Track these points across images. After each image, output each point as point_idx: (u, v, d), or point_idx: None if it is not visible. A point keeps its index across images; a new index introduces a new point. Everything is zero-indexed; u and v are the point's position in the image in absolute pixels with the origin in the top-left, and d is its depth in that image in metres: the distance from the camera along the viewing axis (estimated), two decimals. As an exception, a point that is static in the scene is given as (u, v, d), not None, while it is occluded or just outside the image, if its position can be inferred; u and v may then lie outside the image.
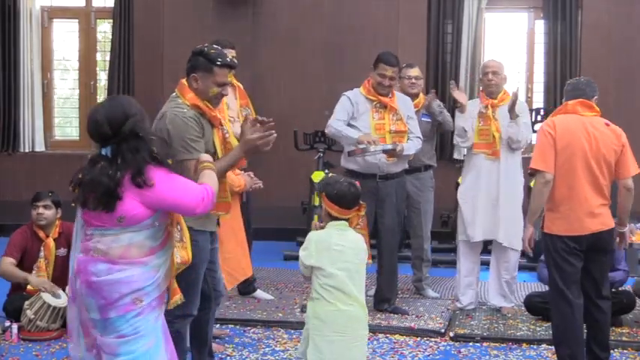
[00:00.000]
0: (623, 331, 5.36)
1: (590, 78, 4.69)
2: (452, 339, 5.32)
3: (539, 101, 8.86)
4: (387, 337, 5.36)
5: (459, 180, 7.40)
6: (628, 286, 5.90)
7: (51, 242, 5.54)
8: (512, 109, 5.60)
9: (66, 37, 9.75)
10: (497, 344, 5.24)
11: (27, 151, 9.40)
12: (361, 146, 5.45)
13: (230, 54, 5.96)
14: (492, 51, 8.93)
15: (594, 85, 4.53)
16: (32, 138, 9.40)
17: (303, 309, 5.80)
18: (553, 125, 4.37)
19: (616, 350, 4.93)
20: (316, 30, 9.04)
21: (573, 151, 4.31)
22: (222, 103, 4.43)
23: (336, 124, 5.64)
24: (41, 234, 5.54)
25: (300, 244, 8.00)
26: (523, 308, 5.93)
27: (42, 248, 5.52)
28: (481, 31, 8.89)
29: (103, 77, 9.55)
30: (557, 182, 4.32)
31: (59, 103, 9.94)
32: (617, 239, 4.52)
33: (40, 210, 5.51)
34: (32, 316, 5.18)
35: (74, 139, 9.76)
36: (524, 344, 5.19)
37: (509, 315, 5.79)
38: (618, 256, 5.40)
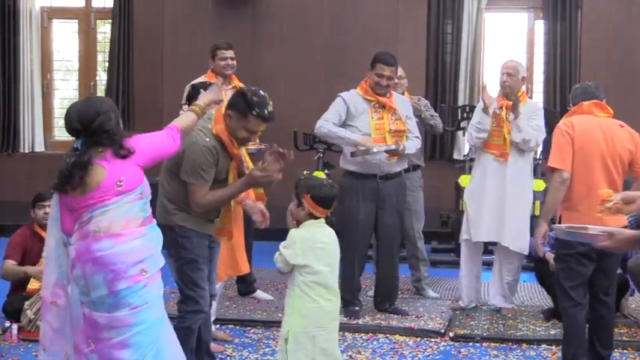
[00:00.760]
0: (623, 331, 5.35)
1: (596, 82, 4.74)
2: (452, 339, 5.32)
3: (538, 101, 8.86)
4: (387, 338, 5.37)
5: (459, 180, 7.42)
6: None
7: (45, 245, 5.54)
8: (514, 109, 5.58)
9: (66, 37, 9.77)
10: (497, 344, 5.24)
11: (27, 151, 9.41)
12: (362, 148, 5.45)
13: (228, 54, 6.00)
14: (492, 51, 8.93)
15: (602, 89, 4.62)
16: (32, 138, 9.42)
17: (303, 309, 5.81)
18: (571, 125, 4.42)
19: (616, 350, 4.92)
20: (316, 30, 9.05)
21: (591, 151, 4.36)
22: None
23: (328, 125, 5.59)
24: (43, 234, 5.54)
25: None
26: (523, 308, 5.93)
27: (45, 248, 5.51)
28: (481, 31, 8.90)
29: (102, 78, 9.56)
30: (574, 181, 4.35)
31: (59, 103, 9.94)
32: None
33: (48, 209, 5.51)
34: (32, 316, 5.19)
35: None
36: (524, 344, 5.20)
37: (509, 315, 5.79)
38: None
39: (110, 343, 3.37)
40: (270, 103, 4.03)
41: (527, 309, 5.97)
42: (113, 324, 3.36)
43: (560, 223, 4.40)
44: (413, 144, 5.71)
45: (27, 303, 5.26)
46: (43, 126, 9.53)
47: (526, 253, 5.73)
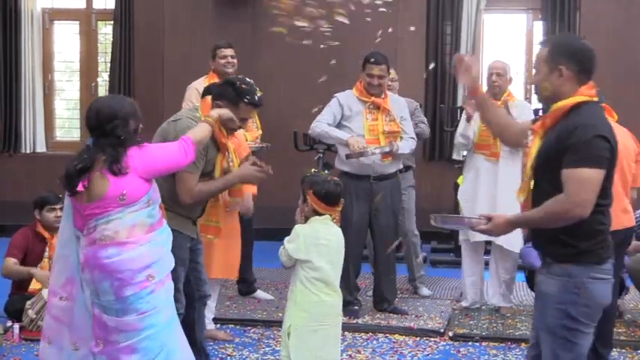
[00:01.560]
0: (621, 330, 5.35)
1: None
2: (451, 339, 5.33)
3: (537, 102, 8.86)
4: (386, 337, 5.37)
5: (458, 180, 7.42)
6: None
7: (56, 242, 5.55)
8: (468, 118, 5.65)
9: (67, 38, 9.77)
10: (496, 344, 5.24)
11: (28, 152, 9.41)
12: (357, 150, 5.45)
13: (228, 53, 6.01)
14: (491, 52, 8.93)
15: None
16: (33, 139, 9.42)
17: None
18: None
19: (614, 349, 4.93)
20: (316, 31, 9.04)
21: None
22: (241, 135, 4.48)
23: (321, 125, 5.63)
24: (47, 235, 5.55)
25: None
26: (522, 307, 5.94)
27: (47, 248, 5.53)
28: (480, 32, 8.90)
29: (103, 78, 9.56)
30: None
31: (60, 104, 9.94)
32: None
33: (59, 212, 5.52)
34: (34, 316, 5.19)
35: (75, 140, 9.76)
36: (522, 344, 5.19)
37: (508, 315, 5.80)
38: None
39: (118, 346, 3.39)
40: (258, 90, 4.07)
41: (526, 308, 5.96)
42: (121, 328, 3.38)
43: None
44: (407, 144, 5.72)
45: (28, 303, 5.26)
46: (45, 127, 9.52)
47: (518, 250, 5.74)
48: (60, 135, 9.87)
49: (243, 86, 4.01)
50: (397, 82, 6.41)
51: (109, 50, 9.34)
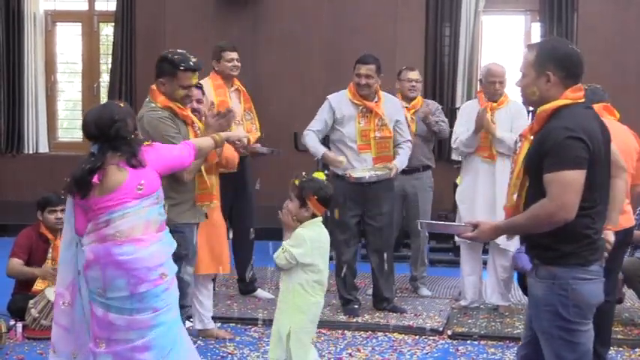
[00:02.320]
0: (618, 329, 5.36)
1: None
2: (450, 337, 5.33)
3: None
4: (385, 336, 5.37)
5: (457, 180, 7.42)
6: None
7: (59, 243, 5.55)
8: (477, 121, 5.63)
9: (69, 40, 9.77)
10: (494, 342, 5.25)
11: (31, 152, 9.41)
12: (356, 175, 5.46)
13: (234, 56, 6.02)
14: (489, 53, 8.93)
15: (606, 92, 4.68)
16: (36, 140, 9.42)
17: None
18: None
19: (611, 348, 4.93)
20: (316, 32, 9.05)
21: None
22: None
23: (310, 136, 5.68)
24: (50, 236, 5.55)
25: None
26: (520, 306, 5.94)
27: (50, 249, 5.53)
28: (478, 33, 8.90)
29: (105, 79, 9.56)
30: None
31: (63, 105, 9.95)
32: None
33: (59, 214, 5.54)
34: (37, 315, 5.20)
35: (77, 140, 9.75)
36: (520, 342, 5.19)
37: (506, 313, 5.81)
38: None
39: (131, 345, 3.40)
40: (192, 57, 4.22)
41: (524, 307, 5.95)
42: (132, 326, 3.40)
43: None
44: (404, 155, 5.70)
45: (31, 302, 5.27)
46: (47, 127, 9.53)
47: (514, 248, 5.74)
48: (62, 136, 9.87)
49: (176, 57, 4.19)
50: (421, 84, 6.41)
51: (111, 51, 9.34)
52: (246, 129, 5.91)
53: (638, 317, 5.71)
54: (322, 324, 5.49)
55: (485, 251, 6.13)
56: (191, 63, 4.19)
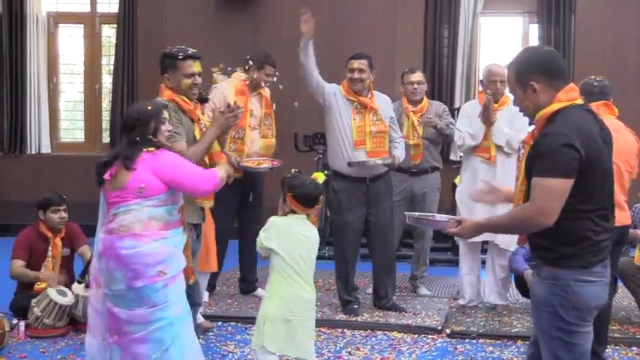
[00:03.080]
0: (615, 327, 5.36)
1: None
2: (448, 336, 5.33)
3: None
4: (385, 334, 5.38)
5: (456, 181, 7.42)
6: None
7: (59, 242, 5.57)
8: (483, 113, 5.61)
9: (71, 41, 9.78)
10: (492, 341, 5.25)
11: (33, 152, 9.41)
12: (360, 160, 5.45)
13: (272, 72, 6.06)
14: (488, 54, 8.94)
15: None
16: (38, 140, 9.43)
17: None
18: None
19: (608, 346, 4.93)
20: (316, 33, 9.04)
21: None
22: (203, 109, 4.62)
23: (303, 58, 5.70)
24: (49, 234, 5.56)
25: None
26: (518, 305, 5.94)
27: (50, 248, 5.54)
28: (477, 34, 8.90)
29: (107, 81, 9.57)
30: None
31: (65, 106, 9.95)
32: None
33: (62, 214, 5.55)
34: (39, 314, 5.20)
35: (79, 141, 9.78)
36: (519, 340, 5.20)
37: (504, 312, 5.81)
38: None
39: (131, 337, 3.49)
40: (190, 49, 4.30)
41: (522, 306, 5.98)
42: (132, 320, 3.48)
43: None
44: (401, 149, 5.70)
45: (34, 301, 5.27)
46: (49, 128, 9.53)
47: (513, 249, 5.75)
48: (64, 136, 9.88)
49: (174, 49, 4.29)
50: (424, 85, 6.35)
51: (113, 53, 9.35)
52: (262, 134, 5.95)
53: (634, 316, 5.71)
54: (322, 323, 5.51)
55: (484, 251, 6.14)
56: (189, 52, 4.27)
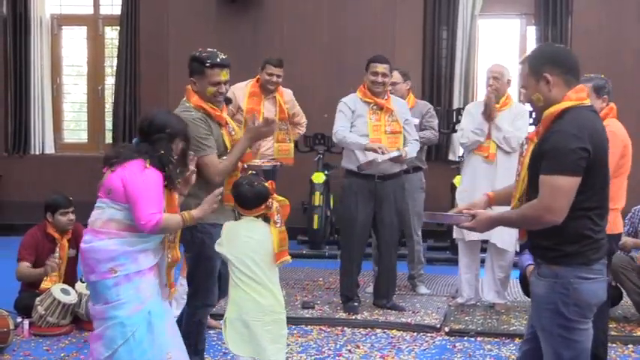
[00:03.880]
0: (611, 325, 5.35)
1: None
2: (447, 334, 5.33)
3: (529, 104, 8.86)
4: (384, 333, 5.38)
5: (454, 181, 7.44)
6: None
7: (66, 243, 5.57)
8: (486, 110, 5.60)
9: (75, 43, 9.78)
10: (490, 339, 5.25)
11: (37, 153, 9.41)
12: (370, 158, 5.45)
13: (274, 71, 6.10)
14: (486, 56, 8.94)
15: None
16: (42, 141, 9.42)
17: (304, 305, 5.82)
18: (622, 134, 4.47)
19: (605, 344, 4.94)
20: (316, 36, 9.05)
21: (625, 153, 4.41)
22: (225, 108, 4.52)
23: (341, 131, 5.62)
24: (56, 235, 5.56)
25: (301, 242, 8.06)
26: (516, 304, 5.94)
27: (57, 249, 5.54)
28: (475, 36, 8.89)
29: (110, 82, 9.56)
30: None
31: (68, 107, 9.95)
32: None
33: (70, 216, 5.55)
34: (43, 312, 5.20)
35: (83, 141, 9.77)
36: (516, 339, 5.20)
37: (502, 311, 5.81)
38: None
39: (93, 333, 3.56)
40: (222, 54, 4.15)
41: (520, 304, 5.98)
42: (94, 315, 3.56)
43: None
44: (413, 148, 5.73)
45: (38, 299, 5.28)
46: (53, 129, 9.52)
47: (513, 250, 5.74)
48: (68, 137, 9.88)
49: (204, 54, 4.12)
50: (402, 85, 6.31)
51: (116, 54, 9.35)
52: (278, 138, 6.02)
53: (630, 314, 5.71)
54: (322, 321, 5.52)
55: (483, 250, 6.14)
56: (218, 59, 4.09)
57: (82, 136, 9.86)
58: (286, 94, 6.34)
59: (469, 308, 5.88)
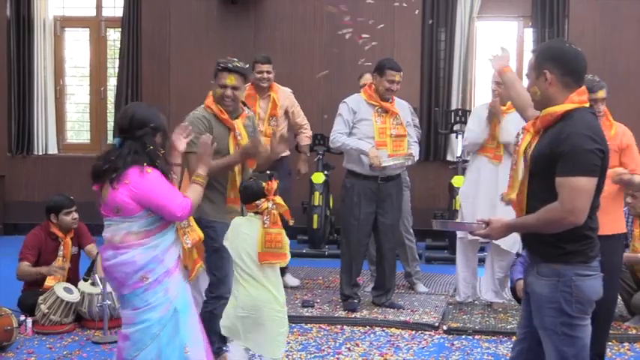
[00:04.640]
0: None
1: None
2: (445, 332, 5.33)
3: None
4: (383, 331, 5.38)
5: (452, 181, 7.43)
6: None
7: (69, 242, 5.58)
8: (489, 116, 5.60)
9: (77, 45, 9.77)
10: (488, 337, 5.25)
11: (40, 153, 9.40)
12: (384, 164, 5.45)
13: (263, 68, 6.09)
14: (484, 57, 8.93)
15: None
16: (45, 141, 9.41)
17: (304, 303, 5.82)
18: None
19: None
20: (315, 37, 9.05)
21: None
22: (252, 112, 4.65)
23: (340, 138, 5.61)
24: (60, 234, 5.56)
25: (301, 242, 8.04)
26: (513, 303, 5.94)
27: (61, 247, 5.54)
28: (473, 38, 8.89)
29: (112, 83, 9.56)
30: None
31: (71, 108, 9.95)
32: None
33: (74, 214, 5.55)
34: (46, 311, 5.20)
35: (85, 142, 9.77)
36: (513, 337, 5.17)
37: (499, 310, 5.80)
38: None
39: (121, 332, 3.55)
40: (240, 62, 4.31)
41: (517, 304, 5.97)
42: (124, 319, 3.54)
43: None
44: (416, 150, 5.78)
45: (41, 298, 5.28)
46: (56, 129, 9.51)
47: (515, 251, 5.73)
48: (71, 137, 9.87)
49: (223, 59, 4.34)
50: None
51: (118, 56, 9.35)
52: (266, 133, 6.01)
53: (627, 313, 5.70)
54: (322, 319, 5.51)
55: (480, 249, 6.13)
56: (229, 65, 4.26)
57: (85, 137, 9.85)
58: (282, 93, 6.32)
59: (467, 307, 5.88)
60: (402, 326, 5.42)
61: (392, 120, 5.63)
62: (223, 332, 4.04)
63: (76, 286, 5.41)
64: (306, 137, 6.55)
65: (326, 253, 7.89)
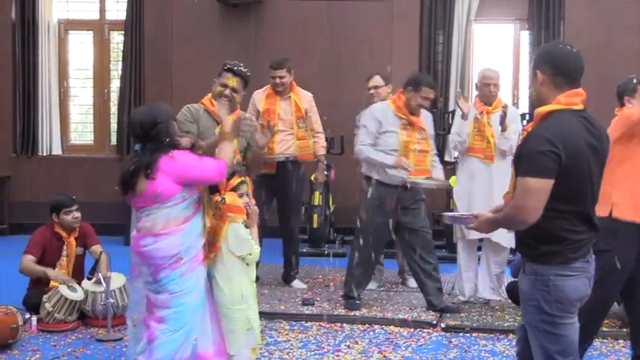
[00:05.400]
0: (604, 321, 5.35)
1: None
2: (443, 330, 5.34)
3: (524, 107, 8.87)
4: (382, 328, 5.38)
5: (450, 181, 7.41)
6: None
7: (73, 241, 5.58)
8: (502, 122, 5.60)
9: (81, 47, 9.78)
10: (485, 334, 5.26)
11: (45, 154, 9.41)
12: (417, 181, 5.43)
13: (275, 73, 6.21)
14: (480, 60, 8.94)
15: None
16: (50, 142, 9.42)
17: (305, 302, 5.82)
18: None
19: (596, 340, 4.93)
20: (316, 40, 9.06)
21: None
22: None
23: (366, 150, 5.51)
24: (64, 234, 5.56)
25: (301, 241, 8.01)
26: (510, 301, 5.94)
27: (65, 247, 5.54)
28: (470, 41, 8.90)
29: (116, 85, 9.56)
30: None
31: (75, 109, 9.95)
32: None
33: (75, 214, 5.56)
34: (50, 309, 5.20)
35: (89, 143, 9.77)
36: (510, 334, 5.20)
37: (497, 307, 5.81)
38: None
39: (154, 315, 3.67)
40: (244, 68, 4.49)
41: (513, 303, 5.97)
42: (158, 303, 3.66)
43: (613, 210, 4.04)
44: (440, 170, 5.72)
45: (45, 296, 5.28)
46: (60, 131, 9.52)
47: (510, 246, 5.74)
48: (74, 138, 9.88)
49: (228, 61, 4.52)
50: (384, 88, 6.27)
51: (121, 58, 9.35)
52: (297, 136, 6.12)
53: (622, 311, 5.70)
54: (322, 317, 5.51)
55: (478, 248, 6.14)
56: (234, 68, 4.46)
57: (89, 138, 9.85)
58: (303, 95, 6.34)
59: (464, 305, 5.88)
60: (401, 324, 5.43)
61: (417, 134, 5.54)
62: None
63: (80, 285, 5.41)
64: (321, 147, 6.46)
65: (326, 252, 7.90)
